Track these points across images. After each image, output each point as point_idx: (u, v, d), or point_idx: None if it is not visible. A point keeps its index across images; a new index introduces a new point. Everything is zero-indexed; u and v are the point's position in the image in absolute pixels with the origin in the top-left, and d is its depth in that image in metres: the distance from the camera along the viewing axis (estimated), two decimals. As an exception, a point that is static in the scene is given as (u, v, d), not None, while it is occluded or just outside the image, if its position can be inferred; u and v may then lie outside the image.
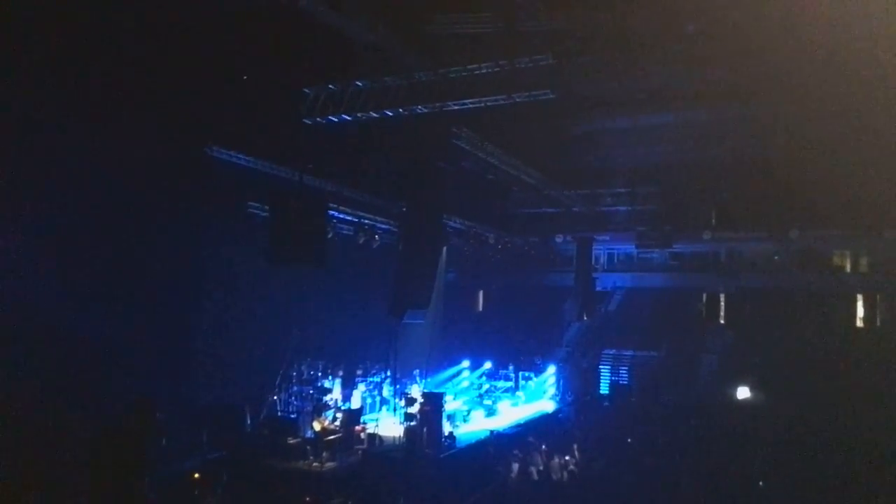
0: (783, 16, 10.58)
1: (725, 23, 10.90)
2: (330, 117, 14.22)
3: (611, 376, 24.56)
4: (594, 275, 25.02)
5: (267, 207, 15.40)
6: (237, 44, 11.56)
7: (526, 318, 25.99)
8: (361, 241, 18.64)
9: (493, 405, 20.64)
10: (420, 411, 16.18)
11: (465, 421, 18.60)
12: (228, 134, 13.79)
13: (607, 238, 24.85)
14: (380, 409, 17.99)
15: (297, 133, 14.39)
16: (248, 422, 15.20)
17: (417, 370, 19.96)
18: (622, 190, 22.90)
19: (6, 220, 10.33)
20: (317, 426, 15.21)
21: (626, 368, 24.53)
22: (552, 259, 26.70)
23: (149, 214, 12.72)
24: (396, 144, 15.77)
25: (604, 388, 24.18)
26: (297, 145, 14.76)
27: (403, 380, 19.27)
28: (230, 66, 12.17)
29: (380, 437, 15.99)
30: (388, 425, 17.00)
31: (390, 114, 14.00)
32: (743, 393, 21.34)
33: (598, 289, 25.46)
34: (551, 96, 13.14)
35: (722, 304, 25.38)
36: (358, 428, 15.85)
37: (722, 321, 25.24)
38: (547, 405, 22.11)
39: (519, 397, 22.01)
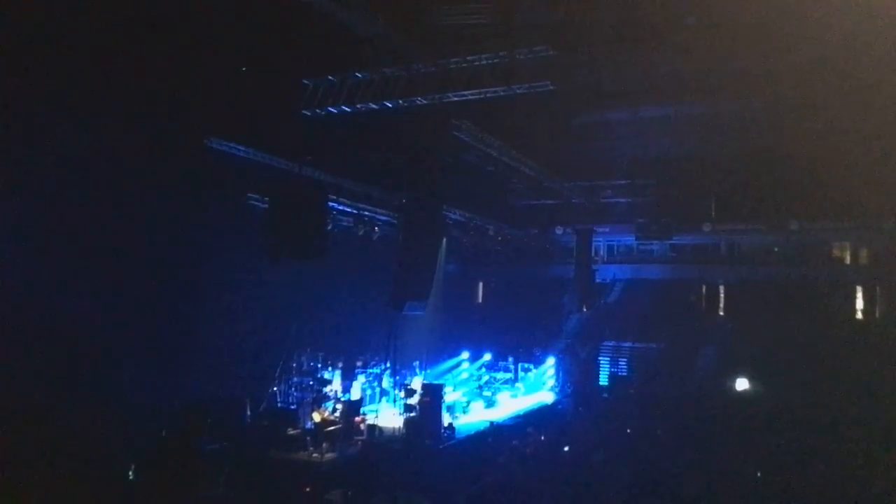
0: (783, 8, 10.57)
1: (725, 15, 10.88)
2: (329, 109, 14.20)
3: (610, 368, 24.60)
4: (594, 266, 25.02)
5: (266, 199, 15.44)
6: (237, 35, 11.54)
7: (525, 309, 26.01)
8: (361, 232, 18.65)
9: (492, 396, 20.71)
10: (420, 402, 16.24)
11: (464, 412, 18.67)
12: (228, 126, 13.78)
13: (607, 230, 24.82)
14: (379, 401, 18.05)
15: (296, 125, 14.37)
16: (249, 413, 15.27)
17: (417, 361, 20.02)
18: (622, 181, 22.87)
19: (4, 216, 10.34)
20: (317, 417, 15.28)
21: (625, 360, 24.57)
22: (552, 251, 26.68)
23: (148, 206, 12.74)
24: (396, 136, 15.74)
25: (603, 380, 24.24)
26: (297, 137, 14.75)
27: (403, 371, 19.33)
28: (230, 57, 12.15)
29: (379, 427, 16.05)
30: (387, 416, 17.06)
31: (390, 105, 13.98)
32: (742, 384, 21.39)
33: (597, 280, 25.47)
34: (551, 88, 13.11)
35: (721, 295, 25.41)
36: (358, 419, 15.91)
37: (721, 312, 25.29)
38: (546, 396, 22.17)
39: (518, 389, 22.07)
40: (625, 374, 24.29)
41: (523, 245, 25.95)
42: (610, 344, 24.96)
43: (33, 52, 9.98)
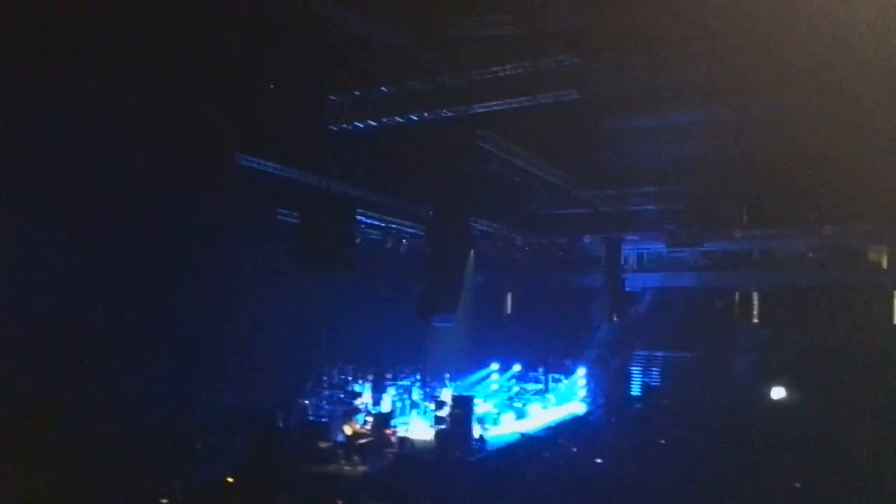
0: (811, 7, 10.41)
1: (751, 17, 10.74)
2: (356, 123, 14.30)
3: (642, 378, 24.32)
4: (623, 275, 24.79)
5: (295, 214, 15.59)
6: (263, 53, 11.70)
7: (555, 319, 25.84)
8: (389, 245, 18.72)
9: (523, 408, 20.56)
10: (450, 415, 16.20)
11: (495, 424, 18.56)
12: (257, 142, 13.96)
13: (636, 238, 24.58)
14: (410, 413, 18.04)
15: (324, 140, 14.51)
16: (280, 426, 15.36)
17: (447, 373, 19.98)
18: (650, 189, 22.66)
19: (39, 232, 10.56)
20: (348, 430, 15.32)
21: (657, 370, 24.27)
22: (580, 260, 26.50)
23: (180, 223, 12.95)
24: (422, 148, 15.80)
25: (635, 390, 23.95)
26: (325, 152, 14.88)
27: (433, 383, 19.31)
28: (256, 75, 12.32)
29: (410, 440, 16.03)
30: (418, 429, 17.04)
31: (415, 118, 14.04)
32: (778, 393, 20.98)
33: (627, 289, 25.21)
34: (576, 97, 13.05)
35: (755, 302, 25.00)
36: (388, 431, 15.91)
37: (755, 320, 24.86)
38: (577, 407, 21.97)
39: (549, 399, 21.89)
40: (657, 383, 23.98)
41: (551, 255, 25.82)
42: (642, 353, 24.69)
43: (64, 69, 10.20)
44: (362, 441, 15.10)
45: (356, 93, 14.13)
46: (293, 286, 15.97)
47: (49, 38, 9.76)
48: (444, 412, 16.61)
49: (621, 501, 13.05)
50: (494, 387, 22.05)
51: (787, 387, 20.91)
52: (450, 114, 13.94)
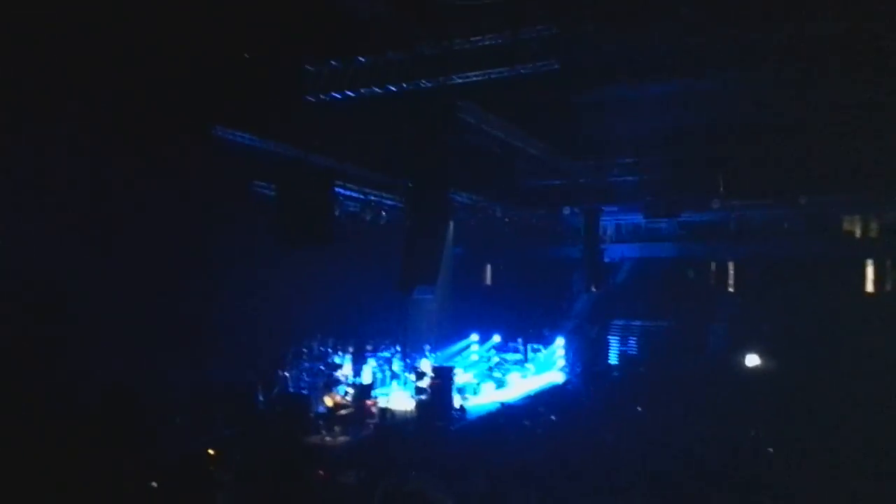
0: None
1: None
2: (333, 94, 14.11)
3: (620, 347, 24.63)
4: (602, 246, 24.94)
5: (272, 186, 15.43)
6: (237, 22, 11.46)
7: (534, 290, 26.02)
8: (368, 217, 18.64)
9: (502, 378, 20.78)
10: (430, 385, 16.32)
11: (475, 394, 18.76)
12: (232, 113, 13.74)
13: (615, 209, 24.70)
14: (390, 384, 18.14)
15: (300, 111, 14.31)
16: (261, 398, 15.38)
17: (427, 345, 20.08)
18: (629, 160, 22.71)
19: (11, 206, 10.36)
20: (328, 401, 15.38)
21: (634, 339, 24.57)
22: (560, 231, 26.60)
23: (154, 197, 12.76)
24: (401, 119, 15.65)
25: (613, 359, 24.27)
26: (301, 123, 14.69)
27: (413, 354, 19.41)
28: (231, 45, 12.08)
29: (391, 411, 16.15)
30: (399, 399, 17.16)
31: (393, 89, 13.88)
32: (752, 360, 21.38)
33: (606, 260, 25.40)
34: (556, 67, 12.96)
35: (731, 272, 25.32)
36: (369, 402, 16.01)
37: (731, 289, 25.21)
38: (556, 377, 22.22)
39: (528, 369, 22.14)
40: (635, 352, 24.31)
41: (531, 226, 25.88)
42: (619, 323, 24.96)
43: (34, 42, 9.94)
44: (343, 412, 15.18)
45: (333, 63, 13.92)
46: (271, 259, 15.85)
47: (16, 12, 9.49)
48: (425, 383, 16.73)
49: (601, 468, 13.26)
50: (474, 357, 22.24)
51: (762, 354, 21.30)
52: (429, 84, 13.79)
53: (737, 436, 14.71)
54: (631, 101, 16.67)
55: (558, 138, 19.51)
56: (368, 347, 18.42)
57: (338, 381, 16.57)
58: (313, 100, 14.21)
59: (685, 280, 25.56)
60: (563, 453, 14.34)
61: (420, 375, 17.23)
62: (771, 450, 13.87)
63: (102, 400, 10.60)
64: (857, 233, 23.72)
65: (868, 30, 11.90)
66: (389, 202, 19.32)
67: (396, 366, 18.72)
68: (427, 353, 19.68)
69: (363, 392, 16.20)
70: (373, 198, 18.72)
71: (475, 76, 13.58)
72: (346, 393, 16.33)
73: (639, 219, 24.63)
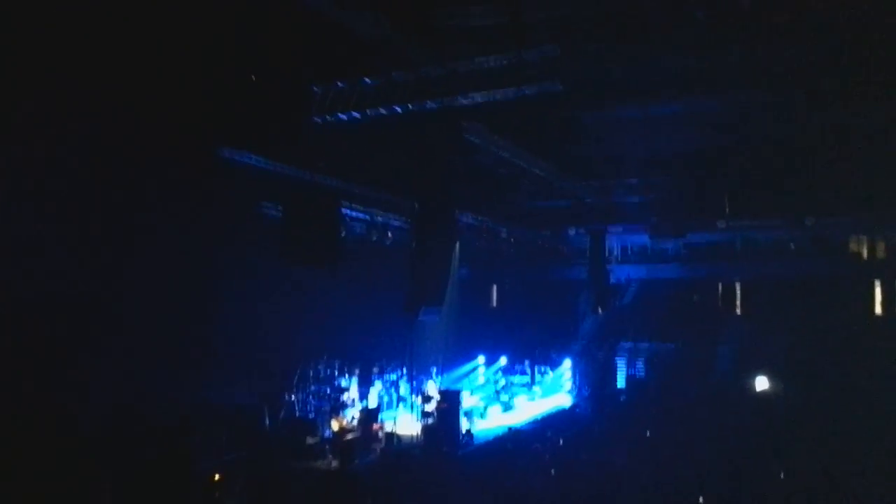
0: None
1: (736, 6, 10.74)
2: (339, 115, 14.15)
3: (627, 369, 24.42)
4: (608, 267, 24.83)
5: (279, 207, 15.43)
6: (245, 44, 11.53)
7: (540, 312, 25.88)
8: (374, 238, 18.61)
9: (509, 401, 20.59)
10: (437, 409, 16.16)
11: (482, 417, 18.57)
12: (239, 135, 13.78)
13: (620, 230, 24.62)
14: (397, 407, 17.98)
15: (307, 132, 14.35)
16: (267, 422, 15.25)
17: (434, 367, 19.94)
18: (634, 181, 22.68)
19: (16, 223, 10.34)
20: (335, 425, 15.23)
21: (642, 361, 24.36)
22: (565, 252, 26.52)
23: (161, 216, 12.75)
24: (407, 140, 15.69)
25: (620, 382, 24.04)
26: (308, 144, 14.73)
27: (420, 377, 19.26)
28: (238, 66, 12.15)
29: (397, 435, 15.98)
30: (405, 423, 16.98)
31: (399, 110, 13.92)
32: (761, 384, 21.14)
33: (612, 281, 25.28)
34: (560, 88, 12.99)
35: (738, 293, 25.16)
36: (375, 426, 15.85)
37: (738, 311, 25.03)
38: (564, 400, 22.02)
39: (535, 392, 21.93)
40: (642, 375, 24.09)
41: (537, 247, 25.83)
42: (627, 345, 24.77)
43: (42, 58, 10.00)
44: (349, 436, 15.02)
45: (340, 84, 13.98)
46: (278, 280, 15.81)
47: (27, 28, 9.56)
48: (431, 406, 16.57)
49: (608, 493, 13.06)
50: (481, 380, 22.06)
51: (770, 377, 21.08)
52: (434, 105, 13.82)
53: (745, 459, 14.49)
54: (637, 121, 16.68)
55: (564, 159, 19.51)
56: (375, 370, 18.28)
57: (344, 405, 16.43)
58: (320, 121, 14.26)
59: (692, 302, 25.40)
60: (571, 479, 14.17)
61: (426, 399, 17.07)
62: (782, 475, 13.66)
63: (106, 421, 10.50)
64: (864, 254, 23.58)
65: (873, 51, 11.90)
66: (396, 223, 19.29)
67: (403, 389, 18.56)
68: (434, 376, 19.53)
69: (369, 416, 16.05)
70: (379, 219, 18.70)
71: (480, 97, 13.62)
72: (353, 417, 16.18)
73: (645, 239, 24.54)
